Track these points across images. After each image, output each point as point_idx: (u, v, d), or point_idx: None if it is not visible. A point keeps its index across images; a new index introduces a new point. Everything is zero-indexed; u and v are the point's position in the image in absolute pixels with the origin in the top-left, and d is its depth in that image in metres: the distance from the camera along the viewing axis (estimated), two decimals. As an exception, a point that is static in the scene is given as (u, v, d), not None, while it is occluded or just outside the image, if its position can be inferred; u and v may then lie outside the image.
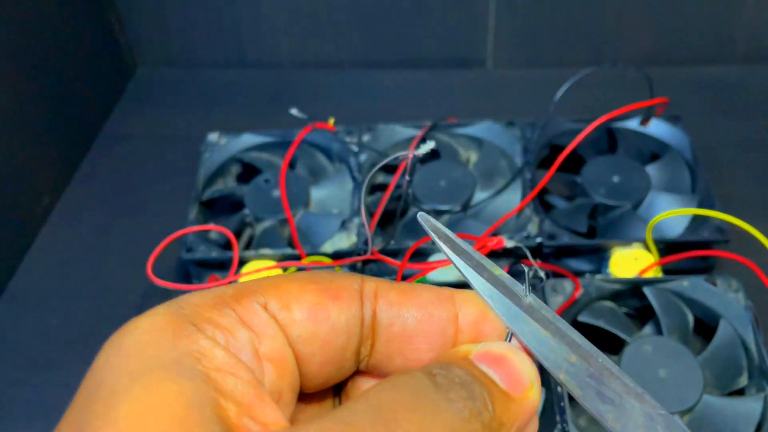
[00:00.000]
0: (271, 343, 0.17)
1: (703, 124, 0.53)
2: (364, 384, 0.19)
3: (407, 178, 0.44)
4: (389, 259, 0.43)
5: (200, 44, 0.66)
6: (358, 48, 0.65)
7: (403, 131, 0.51)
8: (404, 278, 0.42)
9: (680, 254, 0.41)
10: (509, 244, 0.32)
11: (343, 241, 0.43)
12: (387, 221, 0.49)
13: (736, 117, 0.57)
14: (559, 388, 0.36)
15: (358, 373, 0.19)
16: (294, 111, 0.47)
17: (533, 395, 0.17)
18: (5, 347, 0.45)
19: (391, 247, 0.43)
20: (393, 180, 0.48)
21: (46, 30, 0.54)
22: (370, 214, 0.46)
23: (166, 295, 0.38)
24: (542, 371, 0.18)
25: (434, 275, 0.42)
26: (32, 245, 0.51)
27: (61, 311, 0.47)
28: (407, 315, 0.18)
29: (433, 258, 0.43)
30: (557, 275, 0.41)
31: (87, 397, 0.16)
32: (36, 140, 0.53)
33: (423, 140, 0.51)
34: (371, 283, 0.18)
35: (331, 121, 0.51)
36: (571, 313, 0.40)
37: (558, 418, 0.35)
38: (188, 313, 0.16)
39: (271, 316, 0.17)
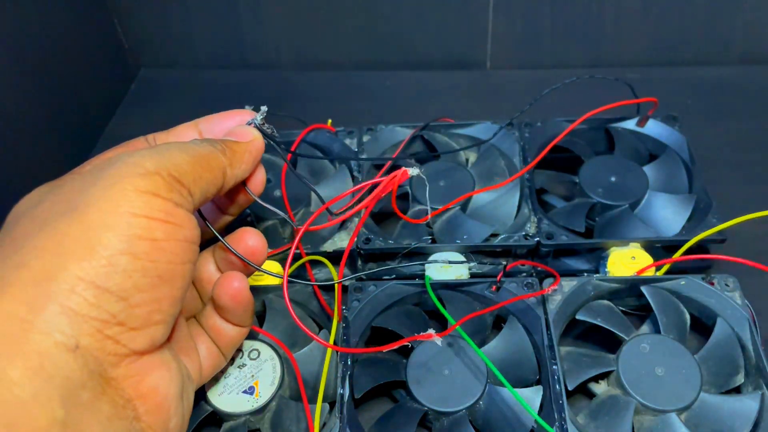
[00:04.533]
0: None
1: (700, 124, 0.53)
2: None
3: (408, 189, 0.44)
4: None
5: (202, 46, 0.67)
6: (358, 49, 0.65)
7: (403, 132, 0.51)
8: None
9: (683, 257, 0.41)
10: (413, 172, 0.34)
11: (344, 240, 0.44)
12: (387, 221, 0.50)
13: (732, 117, 0.57)
14: (557, 386, 0.36)
15: None
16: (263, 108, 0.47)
17: (258, 138, 0.33)
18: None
19: (389, 246, 0.43)
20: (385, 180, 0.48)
21: (49, 32, 0.54)
22: (372, 215, 0.47)
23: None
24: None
25: (434, 275, 0.43)
26: (35, 245, 0.52)
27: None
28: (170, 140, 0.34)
29: (432, 259, 0.43)
30: (543, 272, 0.42)
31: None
32: (39, 141, 0.53)
33: (413, 139, 0.52)
34: (150, 136, 0.35)
35: (329, 122, 0.51)
36: (569, 311, 0.40)
37: (556, 415, 0.35)
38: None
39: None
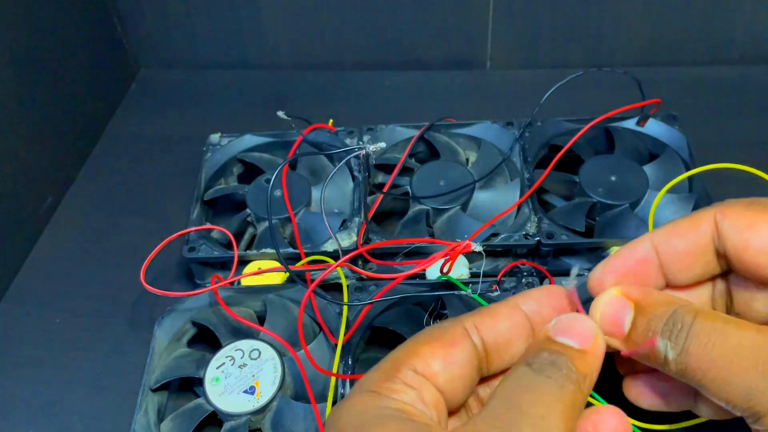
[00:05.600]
0: (429, 395, 0.24)
1: (700, 124, 0.53)
2: (484, 387, 0.28)
3: (365, 173, 0.44)
4: (373, 259, 0.44)
5: (202, 46, 0.67)
6: (358, 49, 0.65)
7: (403, 132, 0.52)
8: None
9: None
10: (477, 248, 0.35)
11: (344, 240, 0.44)
12: (387, 220, 0.50)
13: (732, 117, 0.57)
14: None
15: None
16: (281, 113, 0.48)
17: (599, 343, 0.25)
18: (9, 346, 0.45)
19: (388, 246, 0.43)
20: (389, 180, 0.49)
21: (50, 32, 0.54)
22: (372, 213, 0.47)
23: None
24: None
25: (434, 275, 0.43)
26: (36, 245, 0.52)
27: (64, 310, 0.47)
28: (500, 329, 0.26)
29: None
30: (539, 274, 0.42)
31: None
32: (40, 141, 0.53)
33: (420, 140, 0.52)
34: (469, 320, 0.26)
35: (330, 122, 0.51)
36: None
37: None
38: (372, 388, 0.24)
39: (422, 376, 0.24)
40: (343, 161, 0.43)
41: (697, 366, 0.23)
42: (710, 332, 0.23)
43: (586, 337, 0.24)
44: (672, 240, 0.27)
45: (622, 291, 0.26)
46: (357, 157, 0.38)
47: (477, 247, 0.34)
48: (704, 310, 0.24)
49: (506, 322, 0.26)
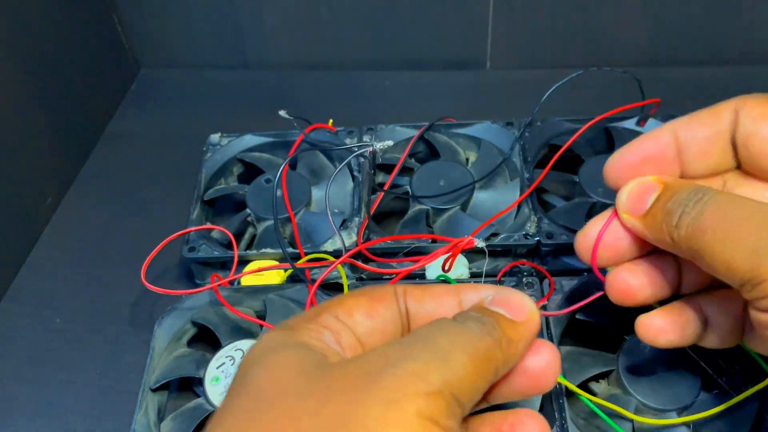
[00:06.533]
0: (347, 338, 0.24)
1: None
2: None
3: (371, 170, 0.45)
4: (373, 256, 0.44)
5: (202, 46, 0.67)
6: (358, 49, 0.65)
7: (403, 132, 0.52)
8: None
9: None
10: (480, 244, 0.35)
11: (345, 239, 0.44)
12: (387, 220, 0.50)
13: (733, 117, 0.57)
14: (558, 386, 0.36)
15: None
16: (283, 113, 0.48)
17: (534, 318, 0.25)
18: (9, 345, 0.45)
19: (389, 245, 0.43)
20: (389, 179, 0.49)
21: (49, 32, 0.54)
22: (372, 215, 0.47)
23: (172, 295, 0.38)
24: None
25: (434, 275, 0.43)
26: (36, 245, 0.52)
27: (65, 310, 0.47)
28: (427, 305, 0.26)
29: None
30: (539, 274, 0.42)
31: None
32: (39, 141, 0.53)
33: (420, 140, 0.52)
34: (401, 287, 0.26)
35: (330, 122, 0.51)
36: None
37: (556, 415, 0.35)
38: (293, 327, 0.24)
39: (342, 322, 0.24)
40: (350, 157, 0.43)
41: (709, 225, 0.25)
42: (729, 199, 0.25)
43: (520, 310, 0.24)
44: (693, 126, 0.29)
45: (656, 177, 0.28)
46: (363, 155, 0.38)
47: (480, 243, 0.34)
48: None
49: (435, 302, 0.26)
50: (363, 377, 0.21)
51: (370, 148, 0.37)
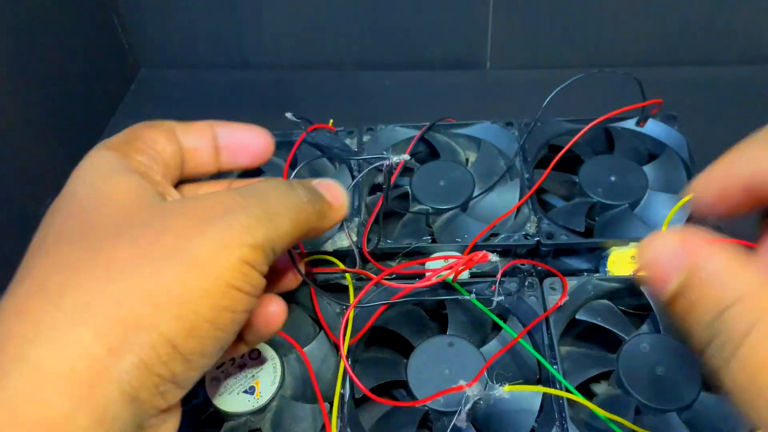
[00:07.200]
0: (160, 166, 0.30)
1: (699, 124, 0.53)
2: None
3: (388, 181, 0.45)
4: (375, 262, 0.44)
5: (202, 46, 0.67)
6: (358, 49, 0.65)
7: (403, 132, 0.51)
8: (401, 277, 0.42)
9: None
10: (494, 258, 0.36)
11: (344, 240, 0.44)
12: (386, 220, 0.50)
13: (732, 117, 0.57)
14: (557, 386, 0.36)
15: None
16: (289, 115, 0.48)
17: (345, 206, 0.31)
18: (9, 346, 0.45)
19: (389, 246, 0.43)
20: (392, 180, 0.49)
21: (49, 32, 0.54)
22: (370, 213, 0.47)
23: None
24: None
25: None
26: (36, 245, 0.52)
27: (65, 310, 0.47)
28: (190, 139, 0.32)
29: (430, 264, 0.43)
30: (551, 274, 0.42)
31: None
32: (39, 141, 0.53)
33: (420, 140, 0.52)
34: (167, 123, 0.32)
35: (330, 122, 0.51)
36: (569, 311, 0.40)
37: (556, 415, 0.35)
38: (120, 149, 0.29)
39: (151, 147, 0.30)
40: (367, 169, 0.44)
41: (742, 381, 0.19)
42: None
43: (338, 197, 0.31)
44: None
45: (683, 238, 0.21)
46: (379, 168, 0.38)
47: (494, 257, 0.35)
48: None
49: (195, 135, 0.32)
50: (200, 218, 0.25)
51: (387, 162, 0.37)
